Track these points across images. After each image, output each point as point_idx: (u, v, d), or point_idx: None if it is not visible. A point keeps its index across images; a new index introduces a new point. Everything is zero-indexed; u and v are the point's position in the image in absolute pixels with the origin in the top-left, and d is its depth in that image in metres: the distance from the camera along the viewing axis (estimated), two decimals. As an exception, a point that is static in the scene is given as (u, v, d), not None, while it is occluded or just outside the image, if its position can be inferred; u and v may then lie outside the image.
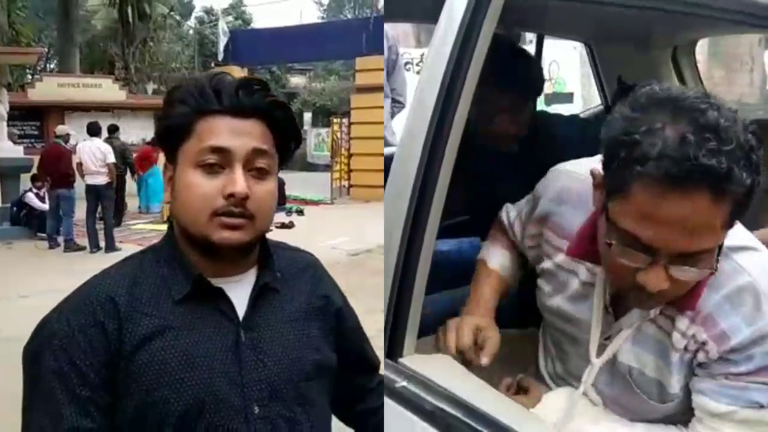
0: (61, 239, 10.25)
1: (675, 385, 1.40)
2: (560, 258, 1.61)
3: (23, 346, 1.13)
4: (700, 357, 1.35)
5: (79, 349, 1.07)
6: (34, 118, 17.34)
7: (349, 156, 17.78)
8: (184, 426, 1.09)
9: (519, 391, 1.65)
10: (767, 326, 1.28)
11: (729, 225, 1.17)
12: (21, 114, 16.28)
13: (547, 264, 1.66)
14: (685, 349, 1.37)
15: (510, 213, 1.93)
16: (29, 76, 22.76)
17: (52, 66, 29.02)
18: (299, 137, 1.25)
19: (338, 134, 17.92)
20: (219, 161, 1.11)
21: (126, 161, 13.50)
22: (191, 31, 33.55)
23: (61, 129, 11.00)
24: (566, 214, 1.59)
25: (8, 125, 12.81)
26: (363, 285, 7.68)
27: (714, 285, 1.31)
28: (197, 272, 1.15)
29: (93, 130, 10.39)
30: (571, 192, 1.58)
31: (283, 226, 12.50)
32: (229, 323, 1.15)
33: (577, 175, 1.58)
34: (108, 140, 13.84)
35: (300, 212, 14.59)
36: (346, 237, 10.91)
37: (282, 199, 15.42)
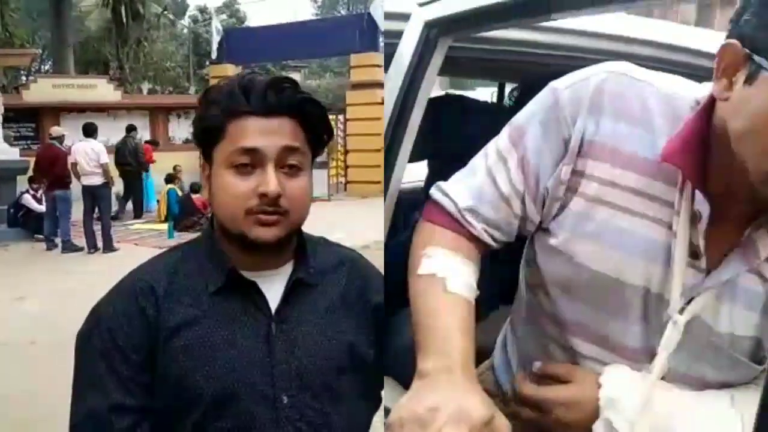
0: (58, 240, 10.24)
1: None
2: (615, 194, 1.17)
3: (76, 334, 1.22)
4: None
5: (122, 331, 1.15)
6: (30, 120, 17.29)
7: (346, 152, 17.78)
8: (215, 411, 1.14)
9: (549, 381, 1.27)
10: None
11: None
12: (16, 116, 16.23)
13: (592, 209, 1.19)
14: None
15: (474, 180, 1.33)
16: (23, 78, 22.70)
17: (46, 67, 28.97)
18: (331, 131, 1.28)
19: (334, 131, 17.92)
20: (251, 161, 1.15)
21: (139, 160, 13.60)
22: (185, 30, 33.48)
23: (56, 130, 10.98)
24: (626, 132, 1.16)
25: (3, 127, 12.77)
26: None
27: None
28: (231, 265, 1.20)
29: (88, 131, 10.38)
30: (634, 103, 1.17)
31: (280, 223, 12.54)
32: (262, 316, 1.20)
33: (639, 80, 1.20)
34: (125, 139, 13.98)
35: (297, 209, 14.60)
36: (343, 233, 10.91)
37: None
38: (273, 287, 1.23)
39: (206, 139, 1.20)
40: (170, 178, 13.33)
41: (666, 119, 1.15)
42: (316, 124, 1.22)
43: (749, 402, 1.09)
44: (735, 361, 1.15)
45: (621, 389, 1.17)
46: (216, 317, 1.18)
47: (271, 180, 1.14)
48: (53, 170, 10.14)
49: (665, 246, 1.14)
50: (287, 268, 1.26)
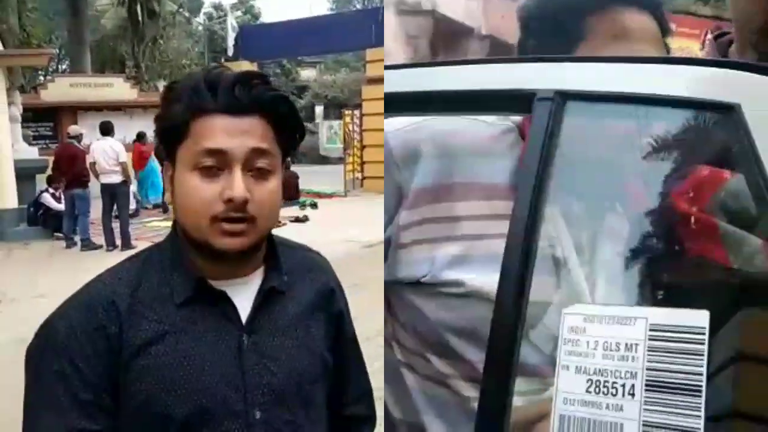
0: (77, 238, 10.32)
1: None
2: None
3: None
4: None
5: (81, 351, 1.05)
6: (48, 119, 17.47)
7: (362, 148, 17.78)
8: (184, 430, 1.07)
9: None
10: None
11: None
12: (34, 115, 16.40)
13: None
14: None
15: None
16: (41, 78, 22.88)
17: (63, 67, 29.18)
18: (303, 131, 1.19)
19: (350, 126, 17.91)
20: (216, 163, 1.06)
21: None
22: (200, 28, 33.60)
23: (73, 129, 11.06)
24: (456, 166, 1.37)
25: (22, 127, 12.91)
26: (376, 277, 7.68)
27: None
28: (199, 275, 1.11)
29: (105, 130, 10.43)
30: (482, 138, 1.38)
31: (297, 219, 12.54)
32: (232, 327, 1.12)
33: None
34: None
35: (314, 205, 14.62)
36: (360, 229, 10.90)
37: (296, 193, 15.46)
38: (243, 296, 1.15)
39: (168, 137, 1.10)
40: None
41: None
42: (287, 123, 1.13)
43: None
44: None
45: None
46: (183, 331, 1.09)
47: (237, 184, 1.05)
48: (72, 169, 10.20)
49: None
50: (257, 276, 1.18)
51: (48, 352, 1.07)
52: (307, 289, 1.24)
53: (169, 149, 1.11)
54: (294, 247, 1.31)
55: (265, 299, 1.16)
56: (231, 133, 1.06)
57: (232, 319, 1.12)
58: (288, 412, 1.14)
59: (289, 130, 1.14)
